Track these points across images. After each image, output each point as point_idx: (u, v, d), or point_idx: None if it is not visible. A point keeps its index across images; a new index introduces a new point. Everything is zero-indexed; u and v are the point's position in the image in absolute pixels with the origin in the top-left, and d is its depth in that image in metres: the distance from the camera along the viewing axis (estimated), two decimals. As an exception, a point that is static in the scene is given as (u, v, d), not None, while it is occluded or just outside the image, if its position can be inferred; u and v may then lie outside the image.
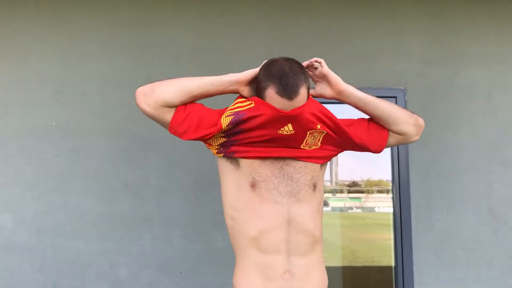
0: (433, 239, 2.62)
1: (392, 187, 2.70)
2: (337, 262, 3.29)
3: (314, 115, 1.45)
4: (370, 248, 3.36)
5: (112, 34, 2.71)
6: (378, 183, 3.22)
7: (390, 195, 2.72)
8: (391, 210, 2.69)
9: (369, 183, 2.89)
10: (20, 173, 2.56)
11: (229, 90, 1.49)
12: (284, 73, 1.35)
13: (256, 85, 1.43)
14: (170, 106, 1.42)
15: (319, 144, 1.48)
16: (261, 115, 1.38)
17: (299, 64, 1.41)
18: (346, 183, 3.85)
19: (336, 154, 1.58)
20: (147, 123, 2.56)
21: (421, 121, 1.55)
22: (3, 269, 2.50)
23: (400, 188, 2.65)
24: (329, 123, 1.45)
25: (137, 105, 1.42)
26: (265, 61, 1.45)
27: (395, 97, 2.70)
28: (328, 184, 3.28)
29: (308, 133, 1.44)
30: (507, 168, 2.68)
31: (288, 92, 1.34)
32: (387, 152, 2.70)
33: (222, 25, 2.74)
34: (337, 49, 2.72)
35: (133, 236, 2.55)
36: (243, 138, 1.43)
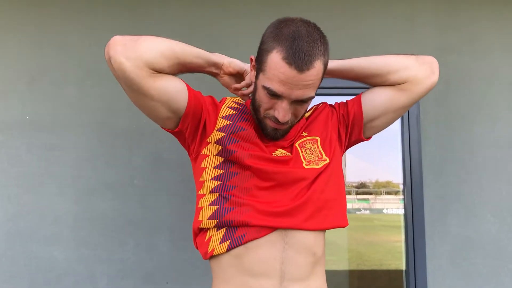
0: (448, 246, 2.40)
1: (404, 187, 2.47)
2: (344, 266, 3.18)
3: (299, 125, 1.25)
4: (378, 250, 3.27)
5: (90, 19, 2.49)
6: (387, 184, 3.11)
7: (399, 196, 2.56)
8: (399, 211, 2.51)
9: (378, 184, 2.74)
10: (-12, 172, 2.35)
11: (208, 71, 1.24)
12: (298, 35, 1.04)
13: (258, 49, 1.14)
14: (154, 70, 1.08)
15: (327, 159, 1.18)
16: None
17: (320, 31, 1.10)
18: (354, 184, 3.75)
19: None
20: (131, 117, 2.40)
21: (428, 58, 1.28)
22: (-31, 278, 2.29)
23: (412, 189, 2.42)
24: (324, 127, 1.24)
25: (109, 57, 1.07)
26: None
27: None
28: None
29: (297, 146, 1.19)
30: (532, 167, 2.44)
31: (300, 60, 1.02)
32: (397, 150, 2.49)
33: (213, 12, 2.52)
34: (340, 35, 2.50)
35: (114, 242, 2.34)
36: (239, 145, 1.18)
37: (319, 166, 1.16)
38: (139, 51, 1.05)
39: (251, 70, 1.20)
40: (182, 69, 1.17)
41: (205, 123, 1.20)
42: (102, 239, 2.35)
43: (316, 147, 1.20)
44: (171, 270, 2.32)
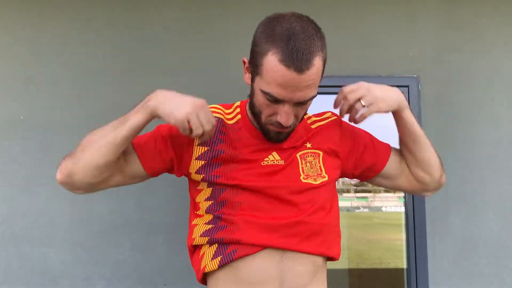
0: (450, 245, 2.37)
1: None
2: (344, 264, 3.15)
3: (302, 132, 1.17)
4: (378, 249, 3.23)
5: (87, 17, 2.46)
6: None
7: (397, 194, 2.50)
8: (398, 209, 2.49)
9: None
10: (-18, 173, 2.32)
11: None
12: (293, 33, 0.97)
13: (251, 50, 1.06)
14: (108, 166, 1.08)
15: (326, 176, 1.13)
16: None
17: (314, 24, 1.03)
18: (353, 182, 3.73)
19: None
20: (127, 116, 2.42)
21: (444, 179, 1.29)
22: (-38, 281, 2.25)
23: None
24: (328, 144, 1.17)
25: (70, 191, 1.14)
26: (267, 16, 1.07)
27: (407, 86, 2.44)
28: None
29: (298, 156, 1.13)
30: (535, 165, 2.41)
31: (298, 60, 0.95)
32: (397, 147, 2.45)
33: (210, 5, 2.49)
34: (343, 34, 2.47)
35: (110, 243, 2.31)
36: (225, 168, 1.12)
37: (317, 182, 1.12)
38: (84, 169, 1.09)
39: (245, 73, 1.12)
40: (126, 144, 1.09)
41: (178, 159, 1.15)
42: (98, 240, 2.32)
43: (317, 161, 1.15)
44: (168, 272, 2.29)
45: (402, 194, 2.48)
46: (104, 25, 2.46)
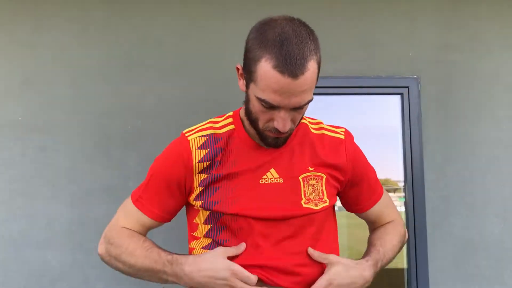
0: (451, 247, 2.37)
1: (405, 187, 2.45)
2: None
3: (304, 149, 1.14)
4: None
5: (84, 18, 2.46)
6: (385, 182, 3.08)
7: (398, 194, 2.54)
8: (399, 209, 2.47)
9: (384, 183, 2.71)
10: (-20, 175, 2.32)
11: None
12: (285, 38, 0.96)
13: (244, 57, 1.06)
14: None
15: (327, 201, 1.12)
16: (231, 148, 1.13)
17: (307, 27, 1.01)
18: None
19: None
20: (126, 118, 2.34)
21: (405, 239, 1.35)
22: (-40, 284, 2.26)
23: (414, 189, 2.40)
24: (332, 166, 1.16)
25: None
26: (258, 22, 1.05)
27: (407, 86, 2.45)
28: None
29: (300, 179, 1.11)
30: (536, 166, 2.42)
31: (292, 65, 0.94)
32: (396, 147, 2.48)
33: (207, 5, 2.49)
34: (343, 34, 2.46)
35: (109, 245, 2.29)
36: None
37: (318, 207, 1.11)
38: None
39: (239, 79, 1.10)
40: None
41: (183, 191, 1.16)
42: (97, 242, 2.29)
43: (320, 185, 1.13)
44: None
45: (403, 194, 2.48)
46: (101, 26, 2.46)
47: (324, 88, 2.43)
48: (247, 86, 1.06)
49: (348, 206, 1.29)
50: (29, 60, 2.42)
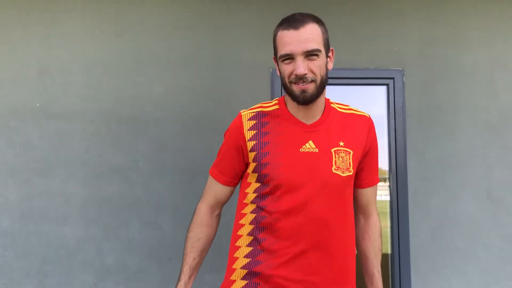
0: (430, 224, 2.55)
1: (389, 172, 2.62)
2: None
3: (336, 127, 1.38)
4: None
5: (98, 12, 2.59)
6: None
7: (387, 183, 2.64)
8: (388, 198, 2.62)
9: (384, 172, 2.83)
10: (2, 156, 2.47)
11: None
12: (292, 14, 1.33)
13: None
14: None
15: (352, 171, 1.37)
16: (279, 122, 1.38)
17: (316, 16, 1.35)
18: None
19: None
20: (135, 104, 2.54)
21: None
22: (-14, 255, 2.42)
23: (397, 173, 2.57)
24: (358, 141, 1.39)
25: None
26: None
27: (392, 78, 2.61)
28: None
29: (332, 151, 1.35)
30: (508, 152, 2.60)
31: (294, 21, 1.29)
32: (383, 135, 2.62)
33: (215, 6, 2.62)
34: (333, 29, 2.48)
35: (121, 221, 2.48)
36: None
37: (344, 174, 1.34)
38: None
39: (277, 68, 1.38)
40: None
41: (242, 155, 1.42)
42: (110, 219, 2.47)
43: (348, 158, 1.36)
44: (174, 247, 2.45)
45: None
46: (112, 20, 2.58)
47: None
48: (277, 63, 1.35)
49: (357, 178, 1.49)
50: (45, 51, 2.55)
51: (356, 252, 1.45)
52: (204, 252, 1.48)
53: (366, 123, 1.45)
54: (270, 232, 1.32)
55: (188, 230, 1.48)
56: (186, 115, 2.55)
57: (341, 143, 1.37)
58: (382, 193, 2.77)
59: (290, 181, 1.31)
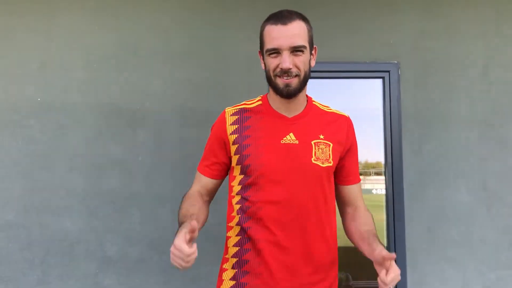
0: (425, 216, 2.58)
1: (385, 165, 2.65)
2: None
3: (317, 122, 1.43)
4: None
5: (97, 7, 2.63)
6: (376, 165, 3.22)
7: (384, 176, 2.68)
8: (384, 191, 2.65)
9: (367, 165, 2.88)
10: (4, 150, 2.51)
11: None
12: (279, 11, 1.37)
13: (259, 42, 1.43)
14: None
15: (331, 162, 1.42)
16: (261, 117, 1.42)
17: (302, 14, 1.39)
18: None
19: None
20: (135, 98, 2.59)
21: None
22: (-10, 246, 2.47)
23: (393, 166, 2.61)
24: (338, 137, 1.43)
25: None
26: None
27: (388, 71, 2.64)
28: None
29: (312, 143, 1.40)
30: (502, 143, 2.63)
31: (281, 17, 1.33)
32: (379, 127, 2.65)
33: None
34: (327, 22, 2.64)
35: (121, 213, 2.52)
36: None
37: (324, 165, 1.39)
38: None
39: (261, 62, 1.43)
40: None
41: (224, 148, 1.47)
42: (110, 210, 2.52)
43: (328, 150, 1.41)
44: (173, 238, 2.49)
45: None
46: (112, 15, 2.62)
47: (312, 72, 2.63)
48: (263, 57, 1.40)
49: (340, 175, 1.52)
50: (45, 46, 2.58)
51: (337, 245, 1.48)
52: (200, 219, 1.40)
53: (345, 122, 1.50)
54: (255, 221, 1.37)
55: (179, 207, 1.45)
56: (185, 109, 2.59)
57: (321, 136, 1.42)
58: (378, 186, 2.81)
59: (271, 171, 1.36)
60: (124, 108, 2.57)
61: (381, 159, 2.71)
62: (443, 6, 2.70)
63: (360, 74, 2.66)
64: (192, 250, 1.16)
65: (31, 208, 2.49)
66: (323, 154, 1.40)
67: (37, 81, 2.57)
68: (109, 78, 2.58)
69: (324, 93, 2.69)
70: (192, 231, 1.20)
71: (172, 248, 1.18)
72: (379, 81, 2.68)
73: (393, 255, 1.19)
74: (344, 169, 1.50)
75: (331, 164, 1.41)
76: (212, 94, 2.60)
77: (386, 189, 2.63)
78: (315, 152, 1.39)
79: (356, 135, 1.54)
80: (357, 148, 1.54)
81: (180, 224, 1.32)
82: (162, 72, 2.61)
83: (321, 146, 1.40)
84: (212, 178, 1.50)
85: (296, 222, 1.36)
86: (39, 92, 2.56)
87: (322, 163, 1.39)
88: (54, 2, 2.61)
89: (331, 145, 1.42)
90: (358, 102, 2.73)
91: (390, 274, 1.17)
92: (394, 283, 1.19)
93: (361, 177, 3.56)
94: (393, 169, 2.60)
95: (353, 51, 2.64)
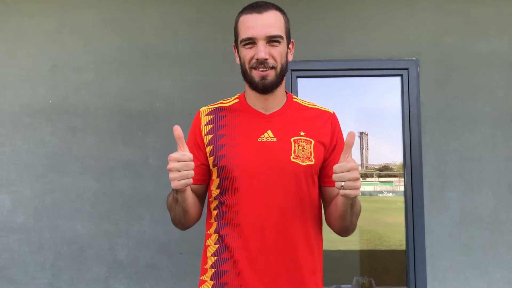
0: (447, 220, 2.48)
1: (404, 165, 2.55)
2: (363, 246, 3.21)
3: (297, 119, 1.33)
4: (399, 231, 3.26)
5: (107, 9, 2.63)
6: (398, 167, 3.09)
7: (403, 178, 2.58)
8: (403, 193, 2.55)
9: (402, 166, 2.76)
10: (16, 153, 2.53)
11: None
12: (254, 2, 1.31)
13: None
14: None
15: (313, 160, 1.29)
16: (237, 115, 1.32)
17: (278, 6, 1.32)
18: (376, 167, 3.75)
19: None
20: (145, 101, 2.56)
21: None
22: (1, 249, 2.48)
23: (412, 166, 2.51)
24: (321, 134, 1.32)
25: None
26: None
27: (407, 68, 2.55)
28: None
29: (292, 140, 1.30)
30: (529, 143, 2.49)
31: (257, 6, 1.28)
32: (397, 126, 2.56)
33: None
34: (344, 18, 2.56)
35: (132, 216, 2.50)
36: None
37: (304, 163, 1.28)
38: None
39: (236, 56, 1.35)
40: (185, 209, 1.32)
41: (200, 149, 1.36)
42: (121, 214, 2.50)
43: (309, 147, 1.31)
44: (184, 242, 2.46)
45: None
46: (121, 18, 2.61)
47: (329, 71, 2.56)
48: (238, 50, 1.32)
49: (322, 175, 1.38)
50: (57, 49, 2.60)
51: (322, 247, 1.35)
52: (193, 207, 1.33)
53: (329, 118, 1.39)
54: (232, 227, 1.27)
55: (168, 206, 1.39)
56: (195, 110, 2.52)
57: (302, 133, 1.32)
58: (397, 187, 2.70)
59: (247, 171, 1.27)
60: (135, 110, 2.56)
61: (398, 159, 2.62)
62: (463, 0, 2.59)
63: (377, 72, 2.58)
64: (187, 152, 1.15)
65: (42, 211, 2.50)
66: (303, 152, 1.29)
67: (48, 84, 2.57)
68: (119, 80, 2.57)
69: (340, 92, 2.62)
70: (178, 137, 1.19)
71: (169, 159, 1.17)
72: (397, 79, 2.59)
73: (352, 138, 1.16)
74: (328, 168, 1.36)
75: (312, 162, 1.29)
76: (222, 95, 2.53)
77: (405, 191, 2.53)
78: (294, 149, 1.29)
79: (342, 132, 1.39)
80: (344, 146, 1.37)
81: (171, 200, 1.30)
82: (172, 73, 2.58)
83: (301, 144, 1.30)
84: (194, 184, 1.36)
85: (276, 227, 1.25)
86: (50, 94, 2.57)
87: (302, 161, 1.28)
88: (65, 5, 2.62)
89: (313, 141, 1.31)
90: (376, 101, 2.66)
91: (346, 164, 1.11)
92: (345, 176, 1.11)
93: (395, 179, 3.37)
94: (412, 170, 2.51)
95: (369, 48, 2.56)
